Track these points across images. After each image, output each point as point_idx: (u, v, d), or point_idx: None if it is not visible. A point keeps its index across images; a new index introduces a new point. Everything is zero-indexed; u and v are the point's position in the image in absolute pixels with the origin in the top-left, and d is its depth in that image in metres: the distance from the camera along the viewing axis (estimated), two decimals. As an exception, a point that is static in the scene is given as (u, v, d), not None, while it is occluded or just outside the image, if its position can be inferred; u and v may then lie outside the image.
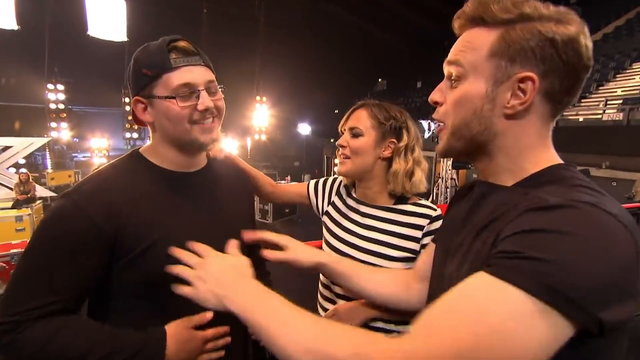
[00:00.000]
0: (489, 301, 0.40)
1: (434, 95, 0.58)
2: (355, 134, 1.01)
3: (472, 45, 0.53)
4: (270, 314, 0.51)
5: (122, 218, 0.69)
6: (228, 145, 12.07)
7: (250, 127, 12.83)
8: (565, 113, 9.83)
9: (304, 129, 15.54)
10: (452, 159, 7.63)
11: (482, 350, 0.38)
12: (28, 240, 0.69)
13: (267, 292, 0.55)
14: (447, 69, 0.56)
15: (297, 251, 0.81)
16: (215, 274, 0.59)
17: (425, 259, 0.78)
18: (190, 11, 12.25)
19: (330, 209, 1.13)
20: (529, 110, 0.51)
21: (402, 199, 1.04)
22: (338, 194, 1.15)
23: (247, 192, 1.00)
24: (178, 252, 0.63)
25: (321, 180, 1.20)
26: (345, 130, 1.05)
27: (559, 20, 0.49)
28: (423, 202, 1.05)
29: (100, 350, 0.65)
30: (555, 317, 0.38)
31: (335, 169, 1.15)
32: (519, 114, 0.51)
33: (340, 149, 1.04)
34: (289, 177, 11.39)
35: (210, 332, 0.74)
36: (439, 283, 0.58)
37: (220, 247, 0.73)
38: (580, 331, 0.39)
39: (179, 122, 0.73)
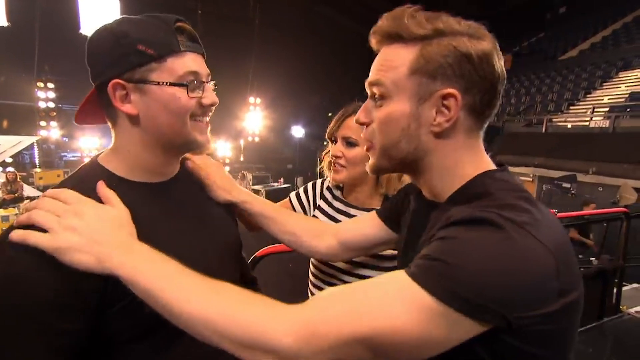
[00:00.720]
0: (394, 293, 0.42)
1: (359, 116, 0.57)
2: (350, 143, 1.00)
3: (392, 64, 0.52)
4: (167, 278, 0.47)
5: None
6: (221, 148, 12.01)
7: (243, 129, 12.79)
8: (554, 119, 10.08)
9: (298, 131, 15.54)
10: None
11: (375, 330, 0.41)
12: None
13: (160, 255, 0.50)
14: (369, 89, 0.56)
15: (216, 182, 0.78)
16: (93, 225, 0.49)
17: (357, 231, 0.82)
18: (185, 12, 12.19)
19: (318, 213, 1.13)
20: (455, 127, 0.51)
21: (388, 198, 1.06)
22: (323, 197, 1.15)
23: None
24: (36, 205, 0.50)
25: (301, 189, 1.20)
26: (336, 138, 1.03)
27: (471, 36, 0.49)
28: None
29: None
30: (453, 315, 0.40)
31: (326, 173, 1.15)
32: (446, 131, 0.51)
33: (334, 158, 1.03)
34: (282, 179, 11.39)
35: None
36: None
37: (210, 257, 0.69)
38: (497, 327, 0.41)
39: (181, 115, 0.62)
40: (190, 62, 0.61)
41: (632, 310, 2.33)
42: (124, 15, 0.62)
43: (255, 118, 12.42)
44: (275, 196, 9.54)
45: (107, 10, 6.95)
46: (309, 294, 1.14)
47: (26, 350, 0.48)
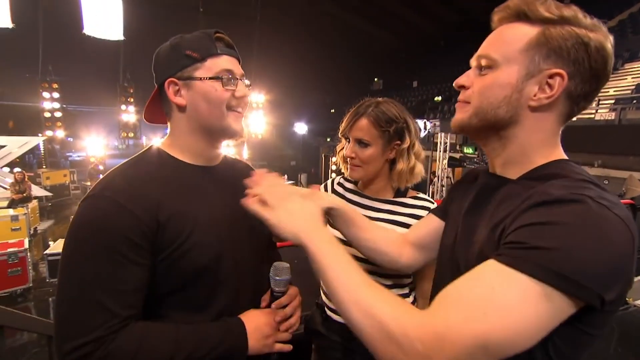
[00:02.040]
0: (500, 287, 0.44)
1: (461, 79, 0.61)
2: (363, 144, 1.04)
3: (507, 39, 0.56)
4: (337, 262, 0.57)
5: (160, 212, 0.69)
6: (224, 145, 12.00)
7: (246, 126, 12.80)
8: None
9: (301, 128, 15.53)
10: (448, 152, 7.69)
11: (494, 328, 0.43)
12: (64, 253, 0.64)
13: (338, 243, 0.60)
14: (477, 60, 0.59)
15: (318, 192, 0.82)
16: (298, 211, 0.64)
17: (423, 229, 0.85)
18: (186, 10, 12.23)
19: None
20: (551, 107, 0.55)
21: (401, 191, 1.11)
22: (335, 192, 1.21)
23: None
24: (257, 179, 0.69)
25: None
26: (349, 137, 1.07)
27: (593, 30, 0.53)
28: (422, 195, 1.12)
29: (186, 347, 0.66)
30: (557, 297, 0.43)
31: (342, 166, 1.18)
32: (542, 108, 0.55)
33: (348, 158, 1.07)
34: (285, 177, 11.40)
35: (279, 316, 0.79)
36: (449, 261, 0.66)
37: (242, 239, 0.81)
38: (585, 307, 0.44)
39: (218, 105, 0.75)
40: (225, 62, 0.77)
41: (638, 302, 2.34)
42: (180, 34, 0.78)
43: (257, 115, 12.37)
44: (280, 193, 9.56)
45: (110, 10, 6.97)
46: (321, 290, 1.18)
47: (117, 268, 0.64)
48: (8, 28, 7.52)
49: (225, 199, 0.81)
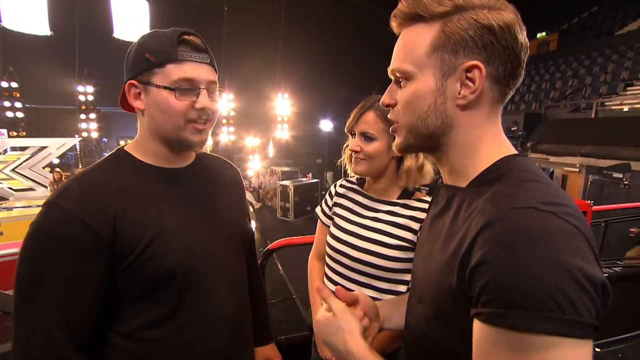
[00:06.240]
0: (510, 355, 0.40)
1: (384, 98, 0.59)
2: (368, 137, 1.01)
3: (411, 46, 0.54)
4: None
5: (118, 219, 0.66)
6: (250, 143, 12.10)
7: (272, 123, 12.85)
8: (607, 103, 9.14)
9: (326, 125, 15.37)
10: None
11: None
12: (19, 261, 0.63)
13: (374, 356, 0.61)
14: (392, 74, 0.57)
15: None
16: (330, 337, 0.65)
17: None
18: (211, 10, 12.40)
19: (337, 209, 1.17)
20: (480, 98, 0.52)
21: (407, 192, 1.07)
22: (337, 194, 1.18)
23: (237, 185, 0.98)
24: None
25: (323, 201, 1.25)
26: (355, 132, 1.04)
27: (491, 7, 0.50)
28: (426, 198, 1.07)
29: None
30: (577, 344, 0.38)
31: (348, 166, 1.14)
32: (471, 103, 0.52)
33: (353, 152, 1.04)
34: (310, 175, 11.32)
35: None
36: (413, 276, 0.67)
37: (214, 238, 0.80)
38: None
39: (173, 117, 0.71)
40: (188, 69, 0.70)
41: None
42: (154, 29, 0.74)
43: (282, 130, 12.24)
44: (303, 191, 9.52)
45: (137, 13, 7.16)
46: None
47: (66, 280, 0.63)
48: (47, 35, 7.95)
49: (194, 200, 0.80)
